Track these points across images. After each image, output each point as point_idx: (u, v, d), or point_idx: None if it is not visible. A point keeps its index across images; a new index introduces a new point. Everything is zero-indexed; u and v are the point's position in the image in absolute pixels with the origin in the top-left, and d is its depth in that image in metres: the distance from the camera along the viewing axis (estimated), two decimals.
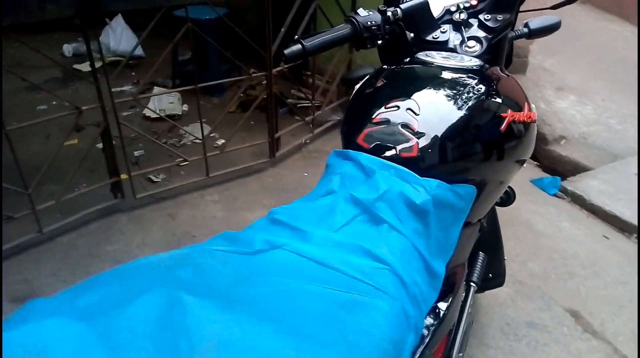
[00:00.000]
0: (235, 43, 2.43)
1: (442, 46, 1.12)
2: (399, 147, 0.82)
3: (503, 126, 0.88)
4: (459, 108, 0.85)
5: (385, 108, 0.86)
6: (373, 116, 0.86)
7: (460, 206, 0.83)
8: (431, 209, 0.76)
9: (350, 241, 0.68)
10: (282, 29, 2.32)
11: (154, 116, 2.98)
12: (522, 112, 0.94)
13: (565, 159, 2.96)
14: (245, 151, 2.63)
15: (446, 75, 0.94)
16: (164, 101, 3.18)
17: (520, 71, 4.42)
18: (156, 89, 3.39)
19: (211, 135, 2.62)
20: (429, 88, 0.90)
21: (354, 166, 0.81)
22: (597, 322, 1.76)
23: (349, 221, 0.73)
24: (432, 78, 0.93)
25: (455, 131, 0.83)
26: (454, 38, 1.12)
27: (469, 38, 1.13)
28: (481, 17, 1.14)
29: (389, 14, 1.07)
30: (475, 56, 1.11)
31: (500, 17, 1.13)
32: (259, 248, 0.65)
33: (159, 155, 2.67)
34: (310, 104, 2.88)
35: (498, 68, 1.05)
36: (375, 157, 0.80)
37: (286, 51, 1.00)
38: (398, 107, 0.85)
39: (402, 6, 1.08)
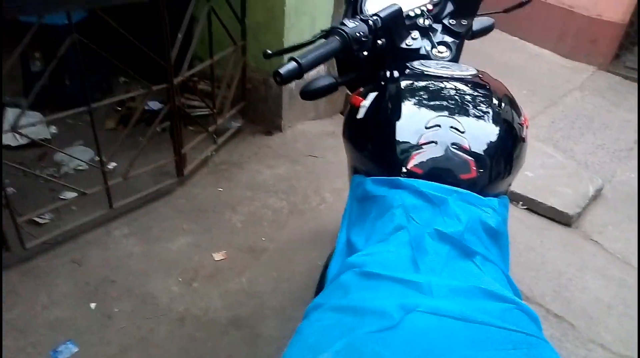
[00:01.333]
0: (109, 50, 2.10)
1: (415, 53, 1.11)
2: (456, 169, 0.78)
3: (524, 133, 0.89)
4: (495, 121, 0.85)
5: (427, 128, 0.81)
6: (417, 139, 0.81)
7: (507, 219, 0.83)
8: (504, 230, 0.74)
9: (467, 285, 0.62)
10: (179, 35, 2.09)
11: (15, 143, 2.46)
12: (525, 116, 0.97)
13: None
14: (145, 174, 2.33)
15: (463, 87, 0.92)
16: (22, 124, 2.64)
17: None
18: (10, 112, 2.80)
19: (96, 158, 2.26)
20: (460, 103, 0.87)
21: (413, 196, 0.74)
22: (525, 288, 1.98)
23: (446, 261, 0.67)
24: (453, 92, 0.91)
25: (498, 145, 0.83)
26: (424, 44, 1.12)
27: (439, 43, 1.14)
28: (446, 22, 1.16)
29: (371, 22, 1.02)
30: (448, 60, 1.13)
31: (464, 21, 1.16)
32: (397, 316, 0.55)
33: (34, 190, 2.23)
34: (208, 113, 2.68)
35: (485, 73, 1.07)
36: (435, 183, 0.75)
37: (282, 71, 0.89)
38: (439, 126, 0.81)
39: (381, 14, 1.04)
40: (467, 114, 0.85)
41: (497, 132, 0.84)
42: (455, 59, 1.14)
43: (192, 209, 2.26)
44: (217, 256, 2.00)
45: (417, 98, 0.90)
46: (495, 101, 0.89)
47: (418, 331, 0.54)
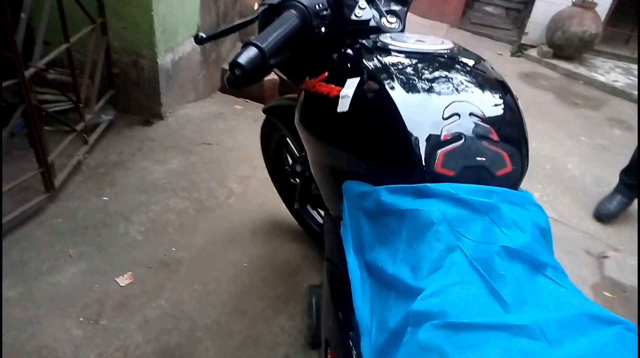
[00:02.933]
0: None
1: (365, 25, 0.96)
2: (491, 165, 0.66)
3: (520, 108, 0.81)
4: (506, 102, 0.75)
5: (444, 119, 0.67)
6: (439, 133, 0.66)
7: None
8: (550, 228, 0.65)
9: (571, 313, 0.52)
10: (22, 14, 1.63)
11: None
12: None
13: None
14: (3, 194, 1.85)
15: (456, 65, 0.79)
16: None
17: None
18: None
19: None
20: (465, 83, 0.74)
21: (452, 205, 0.61)
22: None
23: (527, 284, 0.55)
24: (450, 71, 0.77)
25: (520, 129, 0.73)
26: (373, 14, 0.97)
27: (387, 12, 1.00)
28: None
29: None
30: (398, 31, 1.00)
31: None
32: None
33: None
34: (68, 107, 2.22)
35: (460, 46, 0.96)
36: (472, 186, 0.63)
37: (242, 60, 0.68)
38: (458, 114, 0.68)
39: None
40: (479, 97, 0.73)
41: (514, 114, 0.74)
42: (403, 29, 1.02)
43: (76, 229, 1.86)
44: (123, 280, 1.68)
45: (416, 82, 0.74)
46: (495, 77, 0.79)
47: None
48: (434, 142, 0.65)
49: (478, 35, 5.99)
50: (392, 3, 1.02)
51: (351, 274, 0.66)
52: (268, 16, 0.86)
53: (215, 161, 2.41)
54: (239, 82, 0.87)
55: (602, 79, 4.78)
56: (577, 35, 4.97)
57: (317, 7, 0.83)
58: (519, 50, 5.52)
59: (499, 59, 5.25)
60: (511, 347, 0.47)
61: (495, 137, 0.67)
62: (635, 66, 5.42)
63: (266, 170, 1.93)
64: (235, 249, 1.87)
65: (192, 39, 2.89)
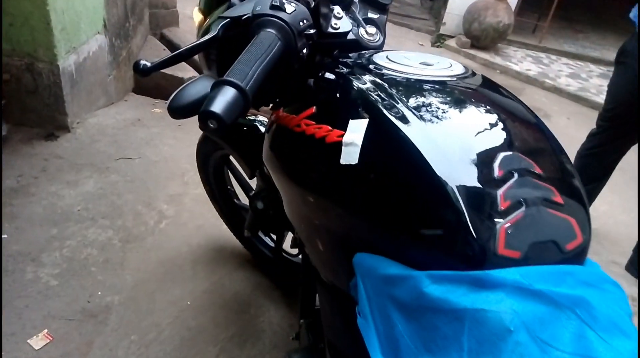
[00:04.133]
0: None
1: (343, 39, 0.78)
2: (560, 238, 0.51)
3: None
4: (555, 150, 0.60)
5: (498, 179, 0.51)
6: (496, 200, 0.50)
7: None
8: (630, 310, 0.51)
9: None
10: None
11: None
12: None
13: None
14: None
15: (484, 100, 0.63)
16: None
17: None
18: None
19: None
20: (507, 128, 0.58)
21: (525, 300, 0.45)
22: None
23: None
24: (480, 108, 0.60)
25: (577, 183, 0.58)
26: (352, 25, 0.80)
27: (366, 21, 0.83)
28: None
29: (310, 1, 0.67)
30: (379, 45, 0.84)
31: None
32: None
33: None
34: None
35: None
36: (543, 268, 0.47)
37: (216, 108, 0.49)
38: (512, 173, 0.52)
39: None
40: (527, 146, 0.58)
41: (568, 165, 0.59)
42: (384, 42, 0.85)
43: None
44: (37, 341, 1.37)
45: (446, 126, 0.57)
46: (530, 115, 0.64)
47: None
48: (491, 212, 0.49)
49: (398, 25, 6.02)
50: (369, 10, 0.84)
51: None
52: (231, 35, 0.65)
53: (139, 179, 2.10)
54: (184, 108, 0.66)
55: (516, 68, 5.00)
56: (492, 26, 5.15)
57: (302, 23, 0.63)
58: (439, 40, 5.63)
59: (421, 50, 5.31)
60: None
61: (559, 200, 0.53)
62: (543, 54, 5.77)
63: (200, 186, 1.69)
64: (175, 285, 1.62)
65: (97, 36, 2.54)
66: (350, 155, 0.55)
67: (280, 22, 0.61)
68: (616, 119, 2.01)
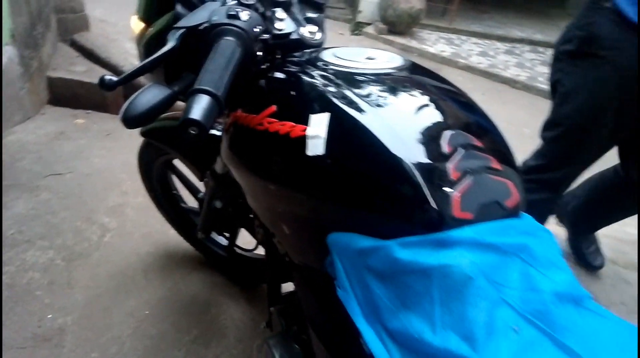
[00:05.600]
0: None
1: (287, 39, 0.83)
2: (501, 198, 0.59)
3: None
4: (488, 124, 0.70)
5: (446, 154, 0.59)
6: (448, 171, 0.57)
7: None
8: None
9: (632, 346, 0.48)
10: None
11: None
12: None
13: None
14: None
15: (426, 87, 0.71)
16: None
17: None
18: None
19: None
20: (448, 110, 0.66)
21: (481, 252, 0.53)
22: None
23: (586, 327, 0.51)
24: (423, 94, 0.68)
25: (508, 150, 0.68)
26: (294, 25, 0.85)
27: (306, 21, 0.88)
28: None
29: (258, 6, 0.71)
30: (320, 42, 0.90)
31: None
32: None
33: None
34: None
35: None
36: (491, 224, 0.56)
37: (195, 115, 0.53)
38: (457, 148, 0.59)
39: None
40: (466, 123, 0.66)
41: (498, 135, 0.69)
42: (324, 39, 0.90)
43: None
44: None
45: (397, 112, 0.63)
46: (465, 96, 0.73)
47: None
48: (445, 182, 0.57)
49: None
50: (307, 10, 0.89)
51: (372, 346, 0.55)
52: (187, 44, 0.67)
53: (73, 194, 2.01)
54: (138, 118, 0.68)
55: (432, 50, 5.29)
56: (406, 11, 5.39)
57: (256, 29, 0.67)
58: (357, 28, 5.80)
59: (341, 39, 5.44)
60: None
61: (497, 166, 0.62)
62: (454, 35, 6.13)
63: (141, 194, 1.66)
64: (130, 296, 1.59)
65: (6, 48, 2.37)
66: (316, 147, 0.60)
67: (238, 29, 0.64)
68: (576, 133, 1.40)
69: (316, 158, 0.60)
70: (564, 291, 0.55)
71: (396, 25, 5.53)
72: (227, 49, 0.61)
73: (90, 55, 3.46)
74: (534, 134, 2.38)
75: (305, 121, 0.63)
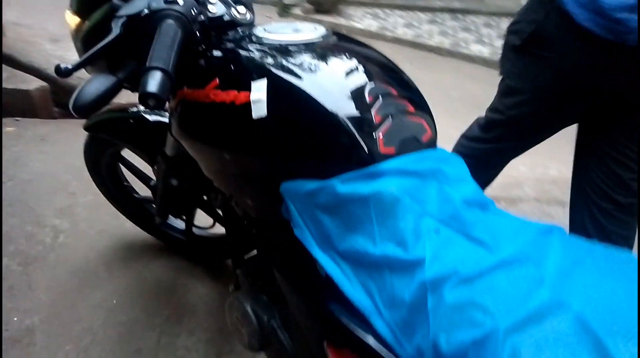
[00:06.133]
0: None
1: (220, 21, 0.92)
2: (417, 134, 0.72)
3: None
4: (402, 75, 0.82)
5: (369, 103, 0.70)
6: (371, 117, 0.69)
7: None
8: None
9: (530, 237, 0.63)
10: None
11: None
12: None
13: None
14: None
15: (347, 51, 0.82)
16: None
17: None
18: None
19: None
20: (367, 67, 0.77)
21: (405, 178, 0.65)
22: None
23: (491, 223, 0.64)
24: (346, 57, 0.79)
25: (420, 96, 0.81)
26: (224, 8, 0.93)
27: (236, 2, 0.97)
28: None
29: None
30: (251, 21, 0.99)
31: None
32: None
33: None
34: None
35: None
36: (411, 155, 0.68)
37: (154, 89, 0.62)
38: (378, 97, 0.71)
39: None
40: (383, 76, 0.77)
41: (411, 84, 0.81)
42: (254, 19, 0.99)
43: None
44: None
45: (325, 73, 0.74)
46: (379, 54, 0.84)
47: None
48: (370, 125, 0.69)
49: None
50: None
51: (327, 268, 0.67)
52: (129, 31, 0.74)
53: (18, 201, 1.98)
54: (87, 106, 0.74)
55: (360, 26, 5.45)
56: None
57: (193, 12, 0.75)
58: (284, 10, 5.84)
59: (270, 22, 5.45)
60: (517, 275, 0.57)
61: (412, 110, 0.75)
62: (379, 9, 6.31)
63: (90, 192, 1.68)
64: (95, 290, 1.62)
65: None
66: (260, 110, 0.70)
67: (177, 13, 0.72)
68: (514, 126, 1.38)
69: (261, 119, 0.70)
70: (471, 198, 0.69)
71: (322, 5, 5.63)
72: (169, 30, 0.69)
73: (9, 60, 3.31)
74: (461, 96, 2.59)
75: (246, 88, 0.72)
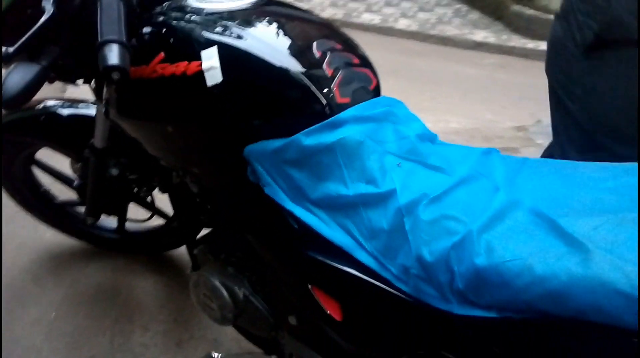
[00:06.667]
0: None
1: None
2: (365, 83, 0.78)
3: None
4: (338, 31, 0.87)
5: (320, 59, 0.74)
6: (324, 71, 0.73)
7: None
8: None
9: (475, 158, 0.73)
10: None
11: None
12: None
13: None
14: None
15: (285, 13, 0.86)
16: None
17: None
18: None
19: None
20: (308, 26, 0.82)
21: (363, 124, 0.71)
22: None
23: (440, 151, 0.73)
24: (286, 19, 0.83)
25: (359, 48, 0.87)
26: None
27: None
28: None
29: None
30: None
31: None
32: None
33: None
34: None
35: None
36: (364, 103, 0.74)
37: (114, 61, 0.62)
38: (326, 52, 0.75)
39: None
40: (324, 33, 0.81)
41: (349, 37, 0.85)
42: None
43: None
44: None
45: (271, 35, 0.76)
46: (314, 14, 0.88)
47: None
48: (324, 80, 0.73)
49: None
50: None
51: (303, 218, 0.71)
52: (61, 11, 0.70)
53: None
54: (18, 97, 0.70)
55: (325, 15, 5.37)
56: None
57: None
58: None
59: None
60: (475, 188, 0.67)
61: (357, 61, 0.80)
62: None
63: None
64: (28, 306, 1.51)
65: None
66: (214, 77, 0.71)
67: None
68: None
69: (217, 86, 0.71)
70: (422, 134, 0.77)
71: None
72: (112, 3, 0.67)
73: None
74: (390, 70, 2.65)
75: (196, 58, 0.72)
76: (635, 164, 0.65)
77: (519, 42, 4.93)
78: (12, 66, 0.72)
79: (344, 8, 5.77)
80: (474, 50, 5.11)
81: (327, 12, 5.48)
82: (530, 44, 4.82)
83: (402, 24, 5.44)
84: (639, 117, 0.94)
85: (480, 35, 5.17)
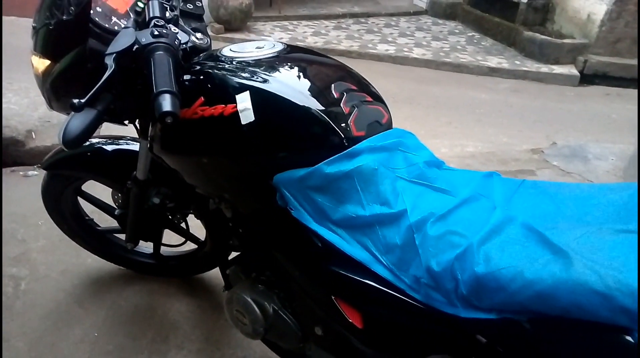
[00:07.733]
0: None
1: (186, 48, 1.04)
2: (378, 118, 0.89)
3: None
4: (353, 71, 0.99)
5: (338, 98, 0.86)
6: (341, 109, 0.85)
7: None
8: None
9: (478, 180, 0.83)
10: None
11: None
12: None
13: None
14: None
15: (304, 59, 0.99)
16: None
17: None
18: None
19: None
20: (325, 69, 0.94)
21: (377, 153, 0.82)
22: None
23: (448, 176, 0.83)
24: (306, 64, 0.95)
25: (371, 86, 0.99)
26: (186, 36, 1.05)
27: (194, 30, 1.10)
28: (183, 7, 1.12)
29: (173, 29, 0.92)
30: (209, 46, 1.11)
31: (198, 2, 1.15)
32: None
33: None
34: None
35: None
36: (378, 135, 0.85)
37: (171, 108, 0.75)
38: (342, 93, 0.87)
39: (153, 12, 0.94)
40: (341, 75, 0.93)
41: (362, 77, 0.98)
42: (211, 42, 1.12)
43: None
44: None
45: (295, 79, 0.89)
46: (328, 57, 1.01)
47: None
48: (342, 116, 0.85)
49: None
50: (191, 22, 1.09)
51: (326, 237, 0.82)
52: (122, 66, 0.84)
53: None
54: (76, 139, 0.82)
55: (271, 40, 5.63)
56: (237, 8, 5.64)
57: (176, 42, 0.86)
58: None
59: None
60: (476, 207, 0.76)
61: (369, 99, 0.92)
62: (287, 22, 6.55)
63: (42, 236, 1.69)
64: (73, 327, 1.63)
65: None
66: (247, 117, 0.83)
67: (166, 44, 0.83)
68: None
69: (250, 125, 0.84)
70: (429, 160, 0.88)
71: (231, 23, 5.75)
72: (163, 60, 0.80)
73: None
74: (406, 98, 2.77)
75: (231, 101, 0.85)
76: (619, 183, 0.74)
77: (532, 67, 5.03)
78: (72, 112, 0.85)
79: (359, 40, 5.99)
80: (488, 75, 5.21)
81: (344, 45, 5.70)
82: (544, 68, 4.92)
83: (417, 52, 5.60)
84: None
85: (494, 61, 5.29)
